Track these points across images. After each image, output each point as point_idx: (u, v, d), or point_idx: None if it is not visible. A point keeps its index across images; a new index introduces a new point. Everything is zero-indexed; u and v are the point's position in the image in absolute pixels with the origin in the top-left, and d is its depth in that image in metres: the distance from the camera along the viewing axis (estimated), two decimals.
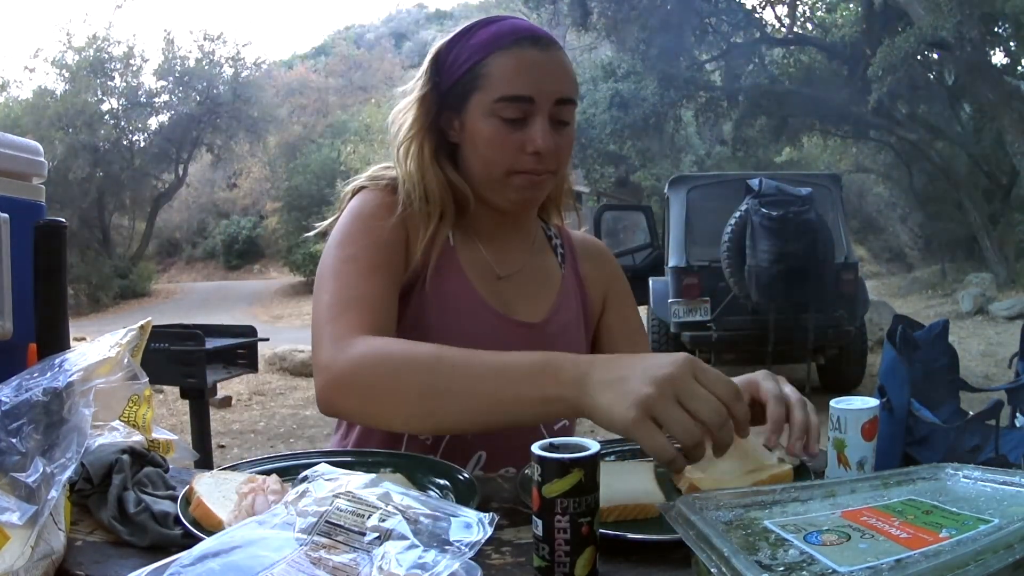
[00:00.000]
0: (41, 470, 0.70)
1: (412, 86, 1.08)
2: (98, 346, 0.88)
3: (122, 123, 19.51)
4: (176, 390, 4.04)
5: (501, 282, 1.12)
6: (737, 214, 5.30)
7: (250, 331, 3.70)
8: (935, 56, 11.29)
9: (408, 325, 1.04)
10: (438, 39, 1.09)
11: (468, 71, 1.03)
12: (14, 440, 0.72)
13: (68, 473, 0.71)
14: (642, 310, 6.86)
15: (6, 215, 1.41)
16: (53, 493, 0.69)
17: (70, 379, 0.79)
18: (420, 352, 0.84)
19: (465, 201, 1.09)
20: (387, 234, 1.03)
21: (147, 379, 0.88)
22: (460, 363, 0.81)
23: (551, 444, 0.66)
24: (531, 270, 1.16)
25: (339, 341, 0.88)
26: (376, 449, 1.03)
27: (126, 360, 0.88)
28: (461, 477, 0.87)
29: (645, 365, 0.71)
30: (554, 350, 1.01)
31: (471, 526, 0.63)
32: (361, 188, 1.10)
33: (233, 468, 0.88)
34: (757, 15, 13.59)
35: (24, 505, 0.68)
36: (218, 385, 4.16)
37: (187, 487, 0.79)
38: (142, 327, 0.95)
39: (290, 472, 0.89)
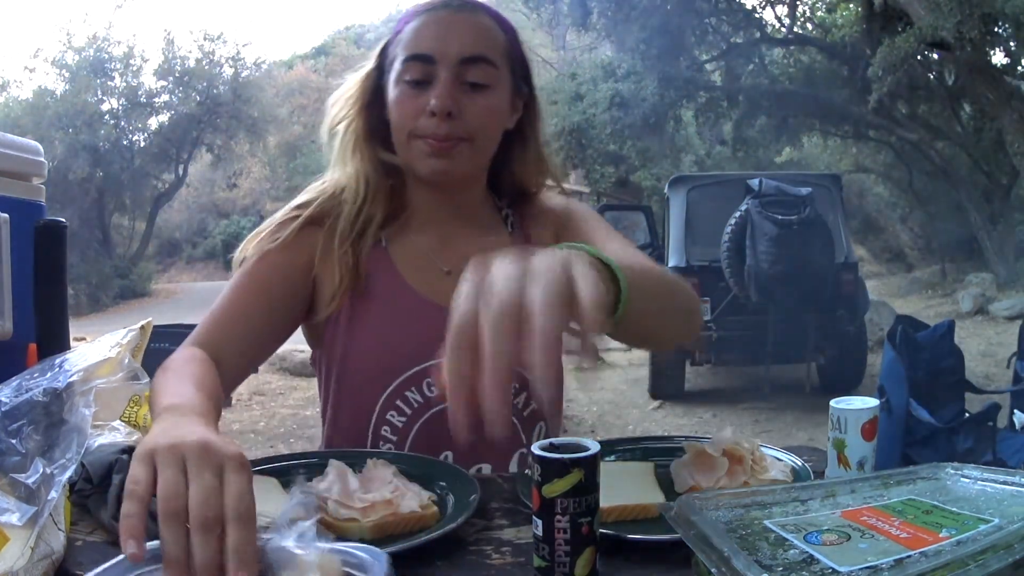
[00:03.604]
0: (41, 471, 0.70)
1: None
2: (98, 346, 0.88)
3: (122, 123, 19.46)
4: None
5: (444, 275, 1.07)
6: (737, 214, 5.30)
7: None
8: (935, 56, 11.27)
9: (349, 333, 1.04)
10: None
11: (392, 45, 1.02)
12: (14, 441, 0.72)
13: (68, 474, 0.71)
14: None
15: (6, 215, 1.41)
16: (53, 494, 0.69)
17: (70, 380, 0.79)
18: (164, 374, 0.85)
19: (400, 189, 1.07)
20: (279, 257, 1.03)
21: (148, 379, 0.88)
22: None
23: (551, 444, 0.66)
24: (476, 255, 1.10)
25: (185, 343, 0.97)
26: (374, 449, 1.03)
27: (126, 360, 0.88)
28: (461, 477, 0.87)
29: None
30: None
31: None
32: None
33: None
34: (757, 15, 13.56)
35: (24, 506, 0.68)
36: None
37: None
38: (143, 327, 0.95)
39: (290, 472, 0.89)
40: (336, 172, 1.08)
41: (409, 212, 1.09)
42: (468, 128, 0.99)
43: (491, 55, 1.00)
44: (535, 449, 0.66)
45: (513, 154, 1.10)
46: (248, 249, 1.05)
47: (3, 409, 0.74)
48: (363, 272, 1.05)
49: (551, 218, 1.13)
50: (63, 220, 1.51)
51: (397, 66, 1.00)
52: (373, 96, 1.05)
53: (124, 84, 19.43)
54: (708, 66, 14.09)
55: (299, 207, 1.07)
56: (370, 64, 1.07)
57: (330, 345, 1.08)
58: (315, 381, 1.12)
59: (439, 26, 0.98)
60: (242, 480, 0.58)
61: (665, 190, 6.54)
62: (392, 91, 1.01)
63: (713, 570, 0.55)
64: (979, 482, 0.68)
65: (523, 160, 1.10)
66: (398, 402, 1.04)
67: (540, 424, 1.09)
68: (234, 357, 0.98)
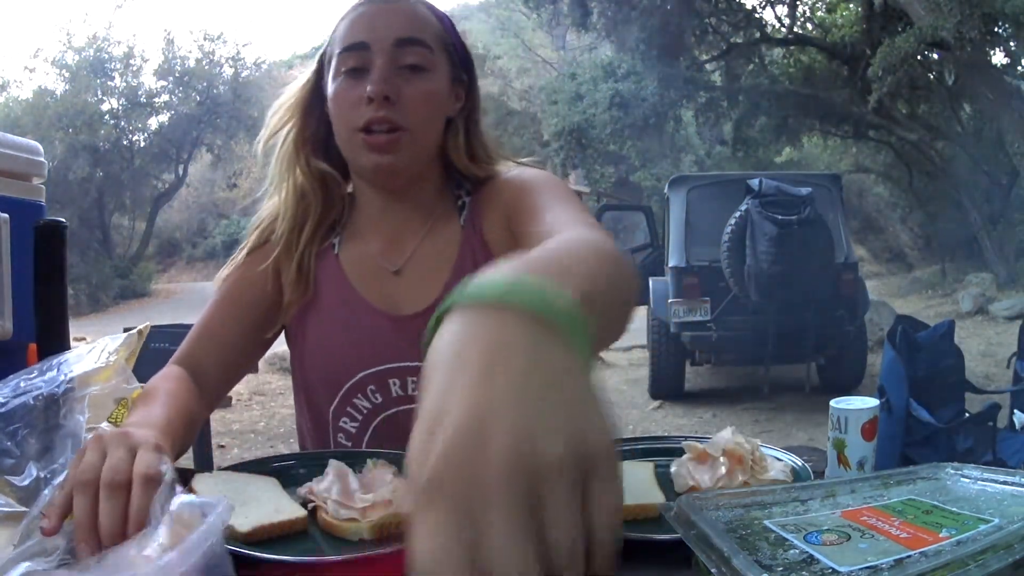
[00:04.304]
0: (35, 474, 0.71)
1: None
2: (96, 351, 0.88)
3: (122, 123, 19.46)
4: None
5: (391, 277, 1.05)
6: (737, 214, 5.30)
7: None
8: (935, 56, 11.28)
9: (302, 341, 1.08)
10: None
11: (328, 47, 1.02)
12: (9, 443, 0.73)
13: (60, 478, 0.71)
14: (642, 310, 6.85)
15: (6, 215, 1.41)
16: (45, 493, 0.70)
17: (68, 385, 0.79)
18: (141, 397, 0.90)
19: (339, 193, 1.07)
20: (243, 273, 1.08)
21: (137, 384, 0.89)
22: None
23: None
24: (423, 253, 1.05)
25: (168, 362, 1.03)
26: (374, 449, 1.03)
27: (122, 366, 0.88)
28: None
29: None
30: None
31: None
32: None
33: (233, 468, 0.88)
34: (757, 15, 13.57)
35: (17, 505, 0.69)
36: None
37: (187, 487, 0.79)
38: (139, 331, 0.95)
39: (290, 472, 0.89)
40: (276, 184, 1.08)
41: (359, 215, 1.08)
42: (407, 114, 0.96)
43: (425, 38, 0.98)
44: None
45: (447, 142, 1.06)
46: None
47: (1, 411, 0.75)
48: (312, 279, 1.06)
49: (504, 197, 1.03)
50: (63, 220, 1.51)
51: (334, 63, 0.99)
52: (312, 102, 1.04)
53: (124, 84, 19.43)
54: (708, 66, 14.09)
55: (257, 226, 1.10)
56: (309, 72, 1.05)
57: (292, 353, 1.11)
58: None
59: (371, 15, 0.98)
60: (153, 455, 0.67)
61: (665, 190, 6.53)
62: (331, 87, 0.99)
63: (713, 570, 0.55)
64: (979, 482, 0.68)
65: (455, 148, 1.06)
66: (348, 408, 1.05)
67: None
68: (213, 370, 1.03)
